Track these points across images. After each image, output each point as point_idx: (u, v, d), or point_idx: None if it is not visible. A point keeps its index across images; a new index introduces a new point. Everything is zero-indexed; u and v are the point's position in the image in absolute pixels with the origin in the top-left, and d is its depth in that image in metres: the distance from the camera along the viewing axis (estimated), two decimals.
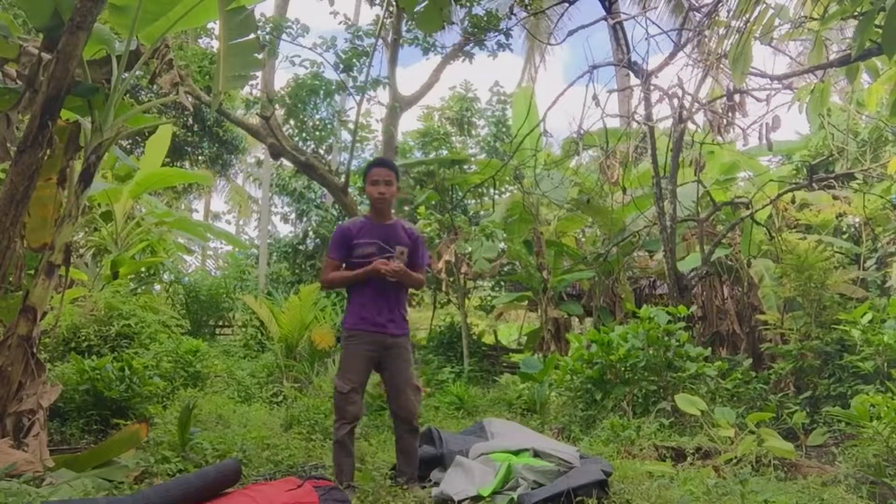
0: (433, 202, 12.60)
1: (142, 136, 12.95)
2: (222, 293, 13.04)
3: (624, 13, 8.50)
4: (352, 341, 4.00)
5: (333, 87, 6.86)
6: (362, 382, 4.01)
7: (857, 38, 3.78)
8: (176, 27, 5.12)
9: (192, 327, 10.95)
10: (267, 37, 6.47)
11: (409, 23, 7.22)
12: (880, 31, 3.49)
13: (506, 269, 12.39)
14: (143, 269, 11.47)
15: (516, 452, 4.16)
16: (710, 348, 6.65)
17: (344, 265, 4.07)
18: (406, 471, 4.02)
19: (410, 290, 4.46)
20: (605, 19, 7.91)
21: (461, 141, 14.97)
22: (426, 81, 7.75)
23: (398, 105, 7.33)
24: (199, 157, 16.37)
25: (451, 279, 11.72)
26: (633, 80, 8.08)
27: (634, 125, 8.03)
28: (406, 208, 12.74)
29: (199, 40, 12.73)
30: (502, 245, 11.88)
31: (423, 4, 4.80)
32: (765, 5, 4.31)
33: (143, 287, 11.23)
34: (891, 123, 8.78)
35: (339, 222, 4.50)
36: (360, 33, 6.66)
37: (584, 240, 12.82)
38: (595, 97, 7.13)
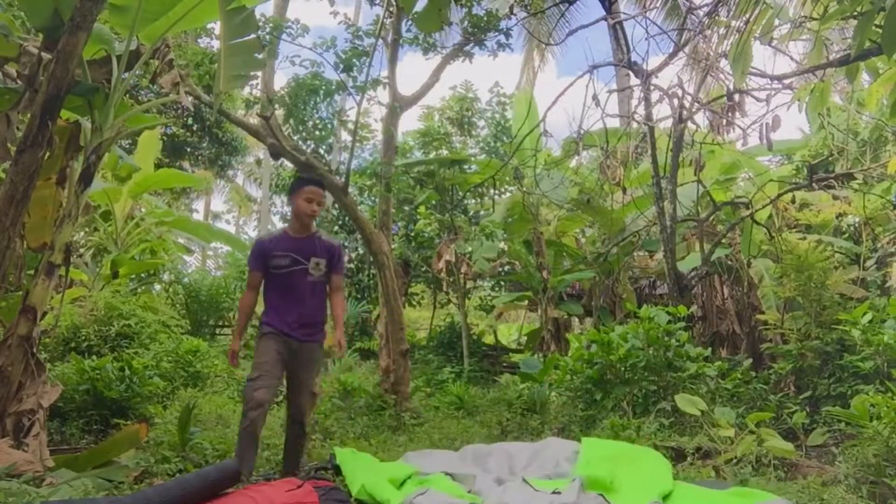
0: (433, 202, 12.59)
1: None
2: (222, 293, 13.03)
3: (624, 13, 8.51)
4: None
5: (333, 87, 6.84)
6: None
7: (857, 37, 3.78)
8: (176, 27, 5.12)
9: (192, 327, 10.95)
10: (267, 37, 6.46)
11: (409, 22, 7.19)
12: (880, 31, 3.49)
13: (506, 269, 12.39)
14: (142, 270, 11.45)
15: None
16: (710, 348, 6.64)
17: (263, 277, 4.21)
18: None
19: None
20: (605, 19, 7.91)
21: (461, 141, 14.96)
22: (426, 81, 7.72)
23: (398, 105, 7.32)
24: (199, 158, 16.38)
25: (451, 279, 11.73)
26: (633, 80, 8.07)
27: (634, 125, 8.02)
28: (406, 208, 12.74)
29: (199, 40, 12.71)
30: (502, 245, 11.88)
31: (422, 5, 4.81)
32: (764, 5, 4.30)
33: (142, 287, 11.23)
34: (891, 123, 8.78)
35: (261, 238, 4.58)
36: (360, 33, 6.64)
37: (584, 240, 12.81)
38: (595, 97, 7.13)
